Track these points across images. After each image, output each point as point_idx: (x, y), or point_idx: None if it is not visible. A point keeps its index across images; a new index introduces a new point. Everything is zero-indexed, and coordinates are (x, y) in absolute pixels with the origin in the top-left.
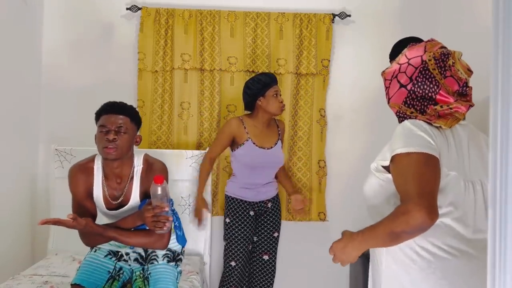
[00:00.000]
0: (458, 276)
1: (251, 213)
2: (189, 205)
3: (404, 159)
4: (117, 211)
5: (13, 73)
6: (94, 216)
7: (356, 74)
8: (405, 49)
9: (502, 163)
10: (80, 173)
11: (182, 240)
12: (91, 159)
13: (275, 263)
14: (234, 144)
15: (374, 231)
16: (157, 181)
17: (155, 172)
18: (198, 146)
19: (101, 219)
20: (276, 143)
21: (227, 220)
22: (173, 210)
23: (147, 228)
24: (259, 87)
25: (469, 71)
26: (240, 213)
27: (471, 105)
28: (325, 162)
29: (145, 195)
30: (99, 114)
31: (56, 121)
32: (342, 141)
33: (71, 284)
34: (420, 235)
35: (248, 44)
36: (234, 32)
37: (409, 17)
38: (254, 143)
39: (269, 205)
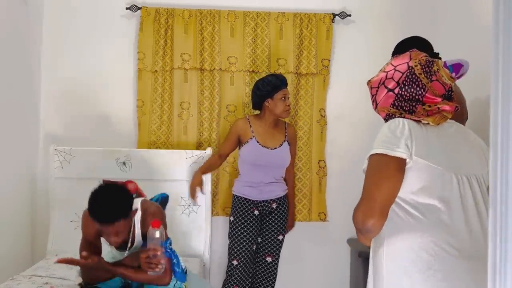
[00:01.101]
0: (460, 277)
1: (256, 212)
2: (189, 205)
3: (371, 159)
4: (124, 251)
5: (13, 73)
6: (99, 254)
7: (356, 74)
8: (390, 59)
9: (502, 163)
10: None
11: (181, 276)
12: None
13: (277, 266)
14: (240, 143)
15: None
16: (154, 225)
17: (150, 213)
18: (198, 146)
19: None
20: (281, 145)
21: (231, 218)
22: (171, 249)
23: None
24: (268, 89)
25: (452, 78)
26: (244, 211)
27: (457, 107)
28: (325, 162)
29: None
30: (92, 217)
31: (56, 121)
32: (342, 141)
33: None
34: (418, 234)
35: (248, 43)
36: (234, 32)
37: (409, 17)
38: (258, 142)
39: (274, 205)
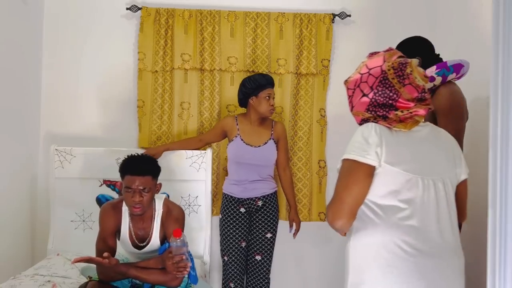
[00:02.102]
0: (419, 275)
1: (242, 210)
2: (189, 205)
3: (342, 164)
4: (140, 250)
5: (13, 73)
6: (114, 253)
7: None
8: (366, 59)
9: (502, 163)
10: (112, 211)
11: (194, 279)
12: (121, 200)
13: (269, 266)
14: (228, 140)
15: None
16: (176, 235)
17: (174, 217)
18: None
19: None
20: (266, 142)
21: (220, 216)
22: (188, 252)
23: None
24: (253, 86)
25: (426, 78)
26: (230, 209)
27: (430, 109)
28: (325, 162)
29: (164, 237)
30: (123, 172)
31: (56, 121)
32: (342, 141)
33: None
34: (380, 233)
35: (248, 44)
36: (234, 32)
37: (409, 17)
38: (242, 140)
39: (260, 203)
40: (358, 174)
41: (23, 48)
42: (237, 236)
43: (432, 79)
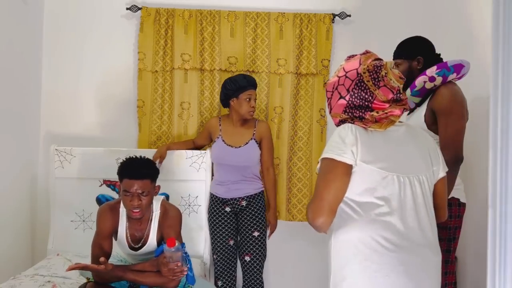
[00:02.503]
0: (395, 269)
1: (227, 209)
2: (189, 205)
3: (321, 163)
4: (137, 252)
5: (13, 73)
6: (109, 256)
7: None
8: (343, 62)
9: (502, 163)
10: (110, 212)
11: (191, 280)
12: (119, 201)
13: (260, 267)
14: (211, 140)
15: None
16: (170, 244)
17: (171, 218)
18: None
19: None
20: (247, 143)
21: (208, 215)
22: (185, 253)
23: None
24: (234, 88)
25: (401, 79)
26: (215, 208)
27: (406, 109)
28: None
29: (161, 238)
30: (121, 175)
31: (56, 121)
32: None
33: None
34: (358, 230)
35: (248, 44)
36: (234, 32)
37: (408, 17)
38: (223, 141)
39: (244, 203)
40: (336, 172)
41: (23, 48)
42: (223, 234)
43: (432, 79)
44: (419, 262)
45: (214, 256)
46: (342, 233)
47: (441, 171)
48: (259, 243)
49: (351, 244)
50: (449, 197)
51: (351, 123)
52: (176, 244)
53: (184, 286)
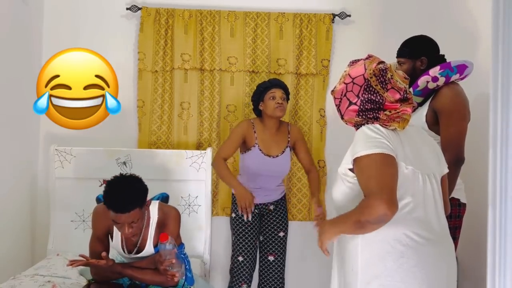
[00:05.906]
0: (427, 262)
1: (255, 210)
2: (189, 205)
3: (364, 160)
4: (133, 256)
5: (13, 73)
6: (108, 252)
7: None
8: (347, 68)
9: (502, 163)
10: (103, 214)
11: (190, 281)
12: None
13: (283, 266)
14: (244, 146)
15: (344, 219)
16: (162, 239)
17: (169, 220)
18: (198, 146)
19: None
20: (283, 151)
21: (233, 215)
22: (184, 254)
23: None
24: (258, 92)
25: (406, 79)
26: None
27: (414, 106)
28: (325, 162)
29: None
30: (107, 206)
31: None
32: (342, 141)
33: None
34: (392, 228)
35: (248, 44)
36: (234, 32)
37: (409, 17)
38: (260, 150)
39: (271, 207)
40: (391, 163)
41: (24, 48)
42: (252, 234)
43: (435, 79)
44: (444, 252)
45: (240, 258)
46: (374, 233)
47: (445, 169)
48: (283, 243)
49: (384, 242)
50: (449, 197)
51: (370, 123)
52: (169, 239)
53: (183, 287)
